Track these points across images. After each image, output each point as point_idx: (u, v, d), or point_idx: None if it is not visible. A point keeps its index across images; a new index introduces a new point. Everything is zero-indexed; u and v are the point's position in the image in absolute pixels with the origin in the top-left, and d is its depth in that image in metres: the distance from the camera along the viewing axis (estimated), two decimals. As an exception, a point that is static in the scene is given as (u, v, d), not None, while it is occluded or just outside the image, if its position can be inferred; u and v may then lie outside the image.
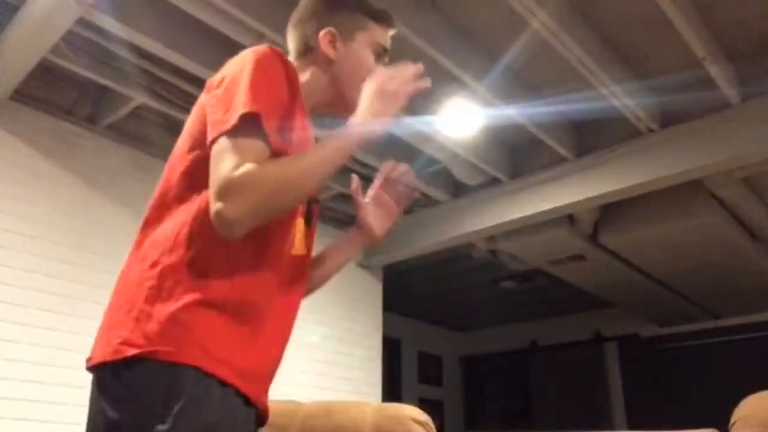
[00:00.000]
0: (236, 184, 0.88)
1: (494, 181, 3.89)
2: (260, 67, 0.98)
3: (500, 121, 3.27)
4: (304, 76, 1.15)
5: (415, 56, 2.83)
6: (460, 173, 3.80)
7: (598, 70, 2.84)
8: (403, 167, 1.36)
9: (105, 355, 0.92)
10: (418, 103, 3.19)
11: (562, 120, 3.45)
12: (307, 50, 1.18)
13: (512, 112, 3.17)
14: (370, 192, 1.31)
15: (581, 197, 3.58)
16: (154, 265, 0.95)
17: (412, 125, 3.25)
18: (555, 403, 6.50)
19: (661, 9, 2.49)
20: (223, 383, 0.92)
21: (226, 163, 0.89)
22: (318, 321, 4.20)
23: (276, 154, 0.95)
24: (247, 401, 0.96)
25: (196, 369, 0.90)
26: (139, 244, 1.01)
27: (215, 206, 0.88)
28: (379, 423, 1.89)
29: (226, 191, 0.88)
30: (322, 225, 4.39)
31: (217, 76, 1.02)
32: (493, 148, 3.74)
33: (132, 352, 0.89)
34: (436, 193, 4.07)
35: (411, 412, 1.93)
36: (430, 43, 2.68)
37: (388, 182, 1.33)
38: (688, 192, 3.80)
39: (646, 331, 6.08)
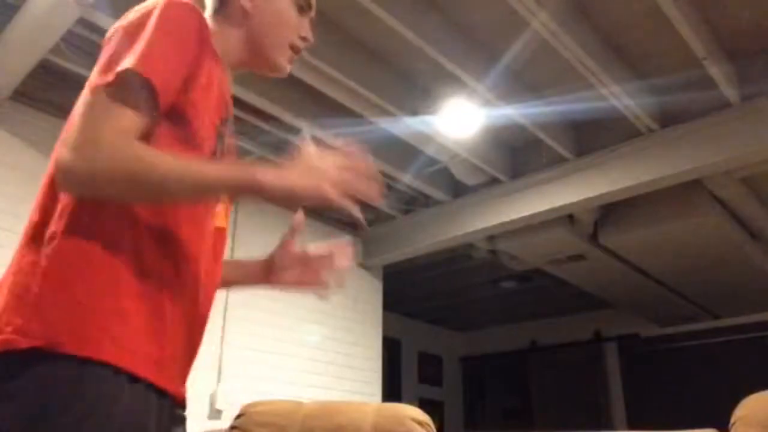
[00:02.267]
0: (98, 145, 0.81)
1: (494, 181, 3.89)
2: (164, 20, 0.90)
3: (500, 121, 3.27)
4: (220, 32, 1.07)
5: (415, 56, 2.84)
6: (460, 173, 3.80)
7: (598, 70, 2.84)
8: (345, 247, 1.20)
9: None
10: (418, 103, 3.19)
11: (562, 120, 3.45)
12: (223, 3, 1.10)
13: (512, 112, 3.17)
14: (311, 247, 1.19)
15: (581, 197, 3.58)
16: (50, 241, 0.85)
17: (412, 125, 3.25)
18: (555, 403, 6.49)
19: (661, 9, 2.49)
20: (134, 378, 0.83)
21: (98, 120, 0.83)
22: (318, 321, 4.20)
23: (167, 116, 0.89)
24: (161, 393, 0.88)
25: (103, 363, 0.80)
26: (31, 222, 0.91)
27: (64, 152, 0.81)
28: (379, 423, 1.90)
29: (83, 145, 0.81)
30: (324, 225, 4.40)
31: (116, 27, 0.94)
32: (493, 148, 3.74)
33: (27, 343, 0.78)
34: (436, 193, 4.07)
35: (411, 412, 1.93)
36: (430, 43, 2.68)
37: (323, 257, 1.19)
38: (688, 192, 3.80)
39: (646, 331, 6.07)
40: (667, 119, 3.28)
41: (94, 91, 0.86)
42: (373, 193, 0.94)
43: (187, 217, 0.95)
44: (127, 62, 0.86)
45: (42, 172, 0.97)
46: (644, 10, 2.63)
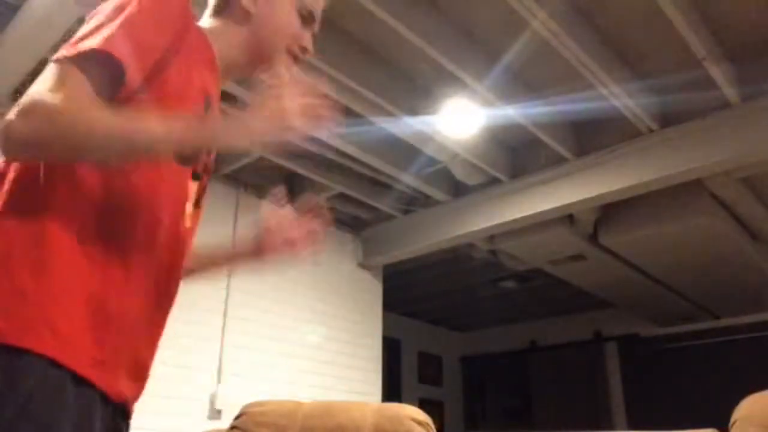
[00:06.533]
0: (44, 105, 0.79)
1: (494, 181, 3.89)
2: (138, 8, 0.89)
3: (500, 121, 3.27)
4: (218, 30, 1.07)
5: (415, 56, 2.84)
6: (460, 173, 3.80)
7: (598, 70, 2.84)
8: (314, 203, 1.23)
9: None
10: (418, 103, 3.19)
11: (562, 120, 3.45)
12: (226, 4, 1.09)
13: (512, 112, 3.17)
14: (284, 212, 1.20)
15: (581, 197, 3.58)
16: None
17: (412, 125, 3.25)
18: (555, 403, 6.50)
19: (661, 9, 2.49)
20: (77, 376, 0.78)
21: (49, 85, 0.81)
22: (318, 321, 4.20)
23: (133, 100, 0.87)
24: (103, 397, 0.83)
25: (43, 357, 0.75)
26: None
27: (9, 114, 0.79)
28: (379, 423, 1.90)
29: (27, 105, 0.79)
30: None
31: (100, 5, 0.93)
32: (493, 148, 3.74)
33: None
34: (436, 193, 4.07)
35: (411, 412, 1.93)
36: (430, 43, 2.68)
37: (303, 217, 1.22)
38: (688, 192, 3.80)
39: (646, 331, 6.07)
40: (667, 119, 3.28)
41: (55, 62, 0.85)
42: (329, 119, 0.96)
43: (144, 204, 0.91)
44: (96, 39, 0.85)
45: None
46: (644, 10, 2.63)
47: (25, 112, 0.79)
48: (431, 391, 6.90)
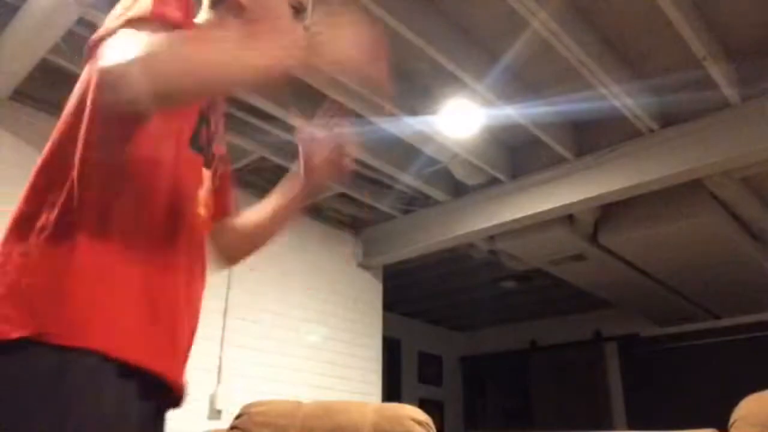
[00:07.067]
0: (149, 50, 0.80)
1: (494, 181, 3.89)
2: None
3: (500, 121, 3.27)
4: (214, 23, 1.10)
5: (415, 56, 2.84)
6: (460, 173, 3.80)
7: (598, 70, 2.83)
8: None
9: None
10: (418, 103, 3.19)
11: (562, 120, 3.45)
12: None
13: (512, 112, 3.17)
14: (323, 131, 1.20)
15: (581, 197, 3.58)
16: (40, 232, 0.85)
17: (412, 125, 3.25)
18: (555, 403, 6.49)
19: (661, 9, 2.49)
20: (123, 364, 0.81)
21: (126, 46, 0.81)
22: (318, 321, 4.20)
23: None
24: (152, 379, 0.87)
25: (90, 351, 0.79)
26: (19, 212, 0.90)
27: (108, 63, 0.79)
28: (379, 423, 1.90)
29: (137, 54, 0.78)
30: (323, 225, 4.40)
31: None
32: (493, 148, 3.74)
33: (17, 333, 0.77)
34: (436, 193, 4.07)
35: (411, 412, 1.93)
36: (430, 43, 2.68)
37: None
38: (688, 192, 3.80)
39: (646, 331, 6.07)
40: (667, 119, 3.28)
41: (115, 32, 0.86)
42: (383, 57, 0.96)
43: (173, 208, 0.94)
44: (145, 3, 0.88)
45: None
46: (644, 10, 2.63)
47: (130, 58, 0.78)
48: (431, 391, 6.90)
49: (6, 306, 0.80)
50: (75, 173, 0.87)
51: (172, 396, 0.96)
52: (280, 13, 1.13)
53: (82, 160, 0.87)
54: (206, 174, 1.05)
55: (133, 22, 0.86)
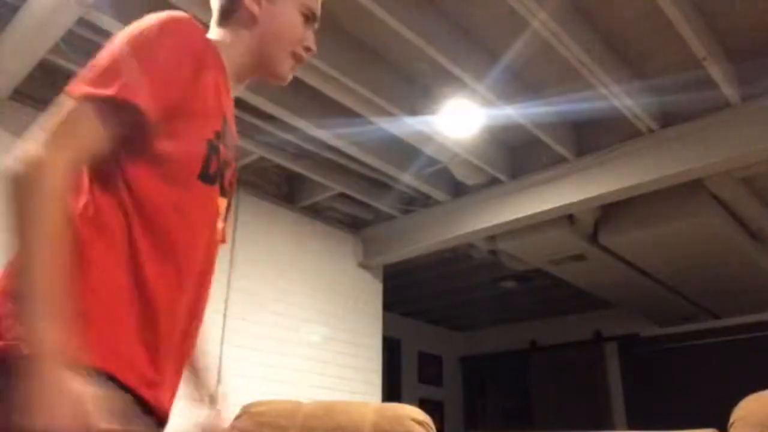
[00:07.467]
0: (46, 147, 0.85)
1: (494, 181, 3.89)
2: (163, 37, 0.93)
3: (500, 121, 3.27)
4: (226, 38, 1.09)
5: (415, 56, 2.84)
6: (460, 173, 3.80)
7: (598, 70, 2.84)
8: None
9: None
10: (418, 103, 3.19)
11: (562, 120, 3.45)
12: (231, 9, 1.10)
13: (512, 112, 3.17)
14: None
15: (581, 197, 3.58)
16: None
17: (412, 125, 3.25)
18: (555, 403, 6.50)
19: (661, 9, 2.49)
20: (128, 390, 0.84)
21: (61, 127, 0.86)
22: (318, 321, 4.20)
23: (154, 135, 0.90)
24: (146, 409, 0.88)
25: (99, 371, 0.80)
26: None
27: (31, 146, 0.85)
28: (379, 423, 1.90)
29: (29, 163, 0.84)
30: (324, 225, 4.40)
31: (117, 35, 0.96)
32: (493, 148, 3.74)
33: (28, 350, 0.76)
34: (436, 193, 4.07)
35: (411, 412, 1.93)
36: (429, 43, 2.68)
37: None
38: (688, 192, 3.80)
39: (646, 331, 6.07)
40: (667, 119, 3.28)
41: (70, 93, 0.90)
42: None
43: (188, 234, 0.96)
44: (116, 84, 0.87)
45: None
46: (644, 10, 2.63)
47: (44, 146, 0.86)
48: (431, 391, 6.90)
49: (17, 322, 0.78)
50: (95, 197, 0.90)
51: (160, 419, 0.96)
52: (292, 23, 1.12)
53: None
54: (222, 203, 1.04)
55: (96, 98, 0.88)
